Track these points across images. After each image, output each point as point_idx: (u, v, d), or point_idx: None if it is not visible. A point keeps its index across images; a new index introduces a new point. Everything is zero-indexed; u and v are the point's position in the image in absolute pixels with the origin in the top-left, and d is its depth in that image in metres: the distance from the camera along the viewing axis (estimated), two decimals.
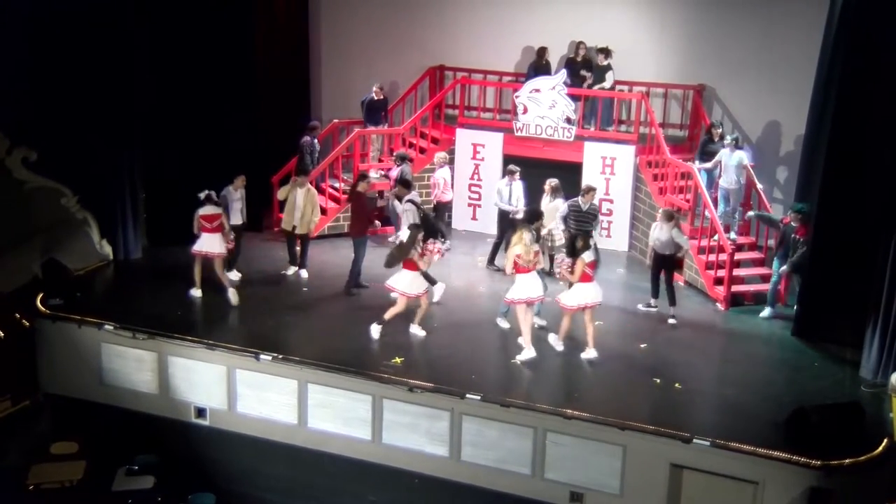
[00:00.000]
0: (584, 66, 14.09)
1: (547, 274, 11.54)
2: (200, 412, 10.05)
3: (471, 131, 14.30)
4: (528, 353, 9.74)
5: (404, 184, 12.02)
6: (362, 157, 14.08)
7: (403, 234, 10.33)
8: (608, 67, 13.95)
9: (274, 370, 9.65)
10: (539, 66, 14.27)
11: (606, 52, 13.94)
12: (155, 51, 12.35)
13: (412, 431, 9.23)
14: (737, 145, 12.23)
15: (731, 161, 12.12)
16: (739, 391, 9.39)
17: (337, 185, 14.04)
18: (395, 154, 13.54)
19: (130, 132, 12.04)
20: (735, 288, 11.71)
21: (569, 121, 13.57)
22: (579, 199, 11.82)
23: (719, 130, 12.63)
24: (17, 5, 10.89)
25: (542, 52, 14.36)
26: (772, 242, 12.16)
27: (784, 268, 11.08)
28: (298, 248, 12.22)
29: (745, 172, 12.18)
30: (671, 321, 10.99)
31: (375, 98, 14.45)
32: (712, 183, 12.54)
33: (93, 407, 10.36)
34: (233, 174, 11.68)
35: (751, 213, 12.03)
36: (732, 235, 12.22)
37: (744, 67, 13.92)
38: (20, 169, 11.07)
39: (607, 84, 13.89)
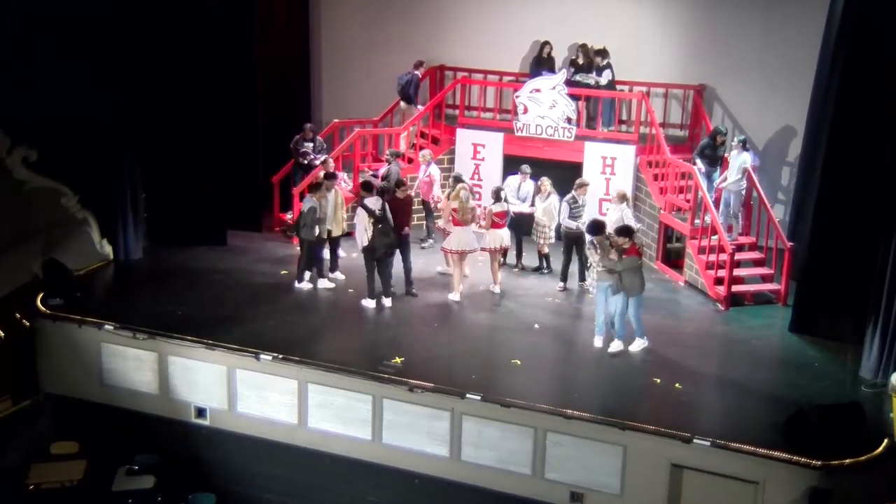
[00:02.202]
0: (587, 69, 14.07)
1: (535, 270, 12.54)
2: (200, 412, 10.04)
3: (471, 131, 14.29)
4: (454, 296, 11.36)
5: (364, 186, 11.58)
6: (362, 157, 14.07)
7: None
8: (607, 66, 13.96)
9: (274, 370, 9.65)
10: (541, 59, 14.27)
11: (604, 52, 13.96)
12: (155, 51, 12.35)
13: (412, 431, 9.23)
14: (744, 147, 12.16)
15: (736, 163, 12.09)
16: (740, 391, 9.39)
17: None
18: (388, 151, 13.50)
19: (131, 132, 12.04)
20: (735, 288, 11.70)
21: (569, 121, 13.57)
22: (574, 193, 11.93)
23: (724, 138, 12.48)
24: (19, 5, 10.89)
25: (544, 45, 14.33)
26: (772, 243, 12.15)
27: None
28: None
29: (748, 175, 12.14)
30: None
31: (420, 77, 14.46)
32: (712, 186, 12.50)
33: (93, 407, 10.37)
34: (230, 173, 11.72)
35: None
36: (733, 236, 12.19)
37: (744, 67, 13.92)
38: (20, 169, 11.08)
39: (603, 80, 13.89)
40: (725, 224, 12.13)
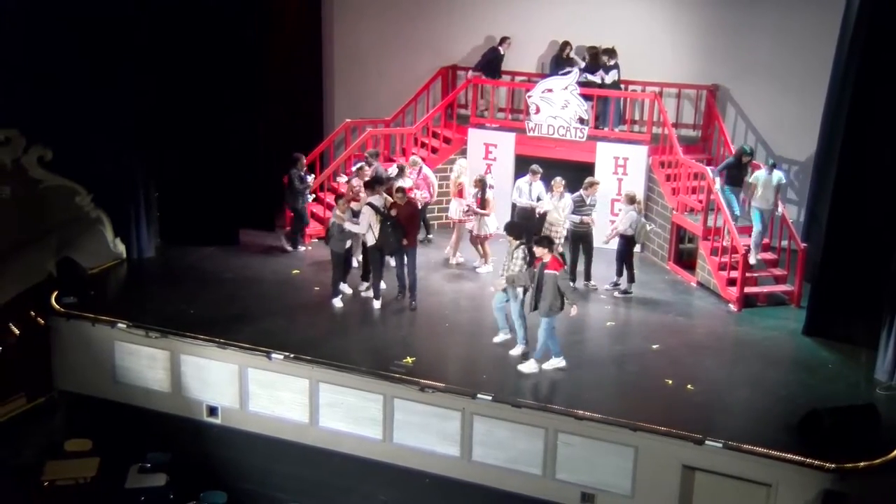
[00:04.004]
0: (592, 70, 14.03)
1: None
2: (212, 411, 10.10)
3: (483, 131, 14.29)
4: (454, 259, 12.65)
5: (374, 183, 11.57)
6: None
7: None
8: (615, 66, 13.91)
9: (285, 369, 9.68)
10: (560, 59, 14.25)
11: (612, 52, 13.91)
12: (171, 53, 12.41)
13: (423, 431, 9.24)
14: (774, 167, 11.82)
15: (772, 181, 11.62)
16: (752, 392, 9.34)
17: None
18: (367, 152, 13.40)
19: (144, 132, 12.11)
20: (748, 289, 11.63)
21: (581, 121, 13.54)
22: (582, 192, 11.95)
23: (749, 158, 12.08)
24: (37, 7, 11.00)
25: (564, 45, 14.29)
26: (784, 243, 12.07)
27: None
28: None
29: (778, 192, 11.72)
30: (628, 295, 11.76)
31: (502, 52, 14.49)
32: (741, 208, 12.14)
33: (106, 404, 10.44)
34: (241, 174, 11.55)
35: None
36: (754, 259, 11.73)
37: (757, 68, 13.83)
38: (36, 168, 11.17)
39: (608, 80, 13.82)
40: (755, 243, 11.80)
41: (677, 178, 12.97)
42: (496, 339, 10.15)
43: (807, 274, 11.52)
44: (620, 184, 13.34)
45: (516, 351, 9.84)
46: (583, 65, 14.00)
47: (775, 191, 11.73)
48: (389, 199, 11.27)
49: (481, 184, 12.39)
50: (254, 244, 13.26)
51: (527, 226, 12.44)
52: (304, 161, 13.10)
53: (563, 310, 9.38)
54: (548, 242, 9.49)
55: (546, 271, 9.28)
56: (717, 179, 12.08)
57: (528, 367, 9.52)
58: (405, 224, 11.00)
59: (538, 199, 12.46)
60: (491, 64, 14.52)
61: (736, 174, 12.07)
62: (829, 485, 7.90)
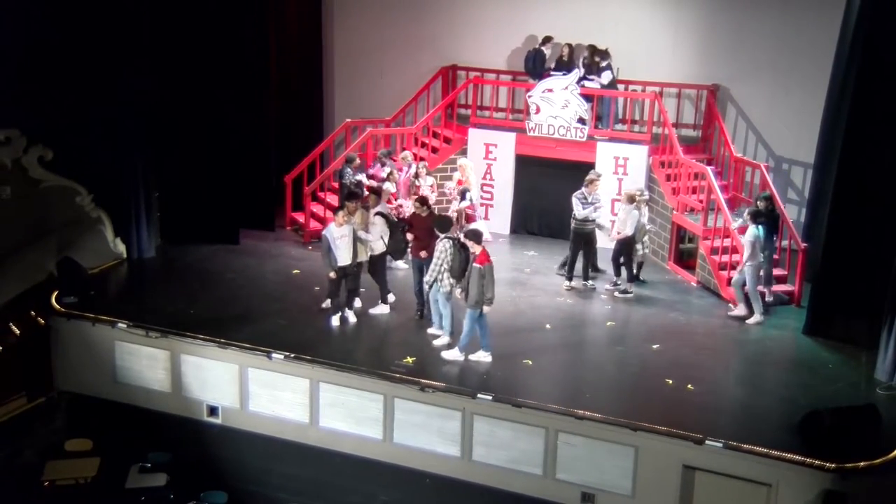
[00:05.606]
0: (590, 69, 14.03)
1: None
2: (213, 410, 10.10)
3: (483, 131, 14.29)
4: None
5: (375, 192, 11.47)
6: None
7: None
8: (607, 67, 13.90)
9: (286, 369, 9.69)
10: (561, 61, 14.23)
11: (604, 53, 13.88)
12: (171, 53, 12.41)
13: (423, 431, 9.24)
14: (754, 220, 10.78)
15: (748, 238, 10.75)
16: (753, 392, 9.35)
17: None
18: (380, 152, 13.34)
19: (144, 132, 12.11)
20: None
21: (581, 121, 13.54)
22: (584, 189, 11.91)
23: (769, 204, 11.37)
24: (38, 7, 11.01)
25: (564, 47, 14.27)
26: (785, 243, 12.06)
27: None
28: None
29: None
30: (628, 295, 11.71)
31: (545, 51, 14.42)
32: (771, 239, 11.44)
33: (106, 404, 10.44)
34: (239, 175, 11.49)
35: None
36: (758, 317, 10.96)
37: (758, 68, 13.84)
38: (36, 168, 11.17)
39: (604, 81, 13.83)
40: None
41: (677, 178, 12.98)
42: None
43: (807, 274, 11.52)
44: (621, 184, 13.35)
45: (440, 341, 9.84)
46: (577, 72, 13.93)
47: (749, 247, 10.68)
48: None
49: (461, 193, 12.51)
50: (254, 244, 13.26)
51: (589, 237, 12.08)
52: (358, 161, 13.09)
53: (490, 304, 9.46)
54: (475, 237, 9.54)
55: (474, 264, 9.41)
56: (738, 220, 11.62)
57: (452, 354, 9.67)
58: (424, 235, 10.62)
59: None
60: (534, 64, 14.46)
61: (770, 221, 11.28)
62: (829, 485, 7.91)
